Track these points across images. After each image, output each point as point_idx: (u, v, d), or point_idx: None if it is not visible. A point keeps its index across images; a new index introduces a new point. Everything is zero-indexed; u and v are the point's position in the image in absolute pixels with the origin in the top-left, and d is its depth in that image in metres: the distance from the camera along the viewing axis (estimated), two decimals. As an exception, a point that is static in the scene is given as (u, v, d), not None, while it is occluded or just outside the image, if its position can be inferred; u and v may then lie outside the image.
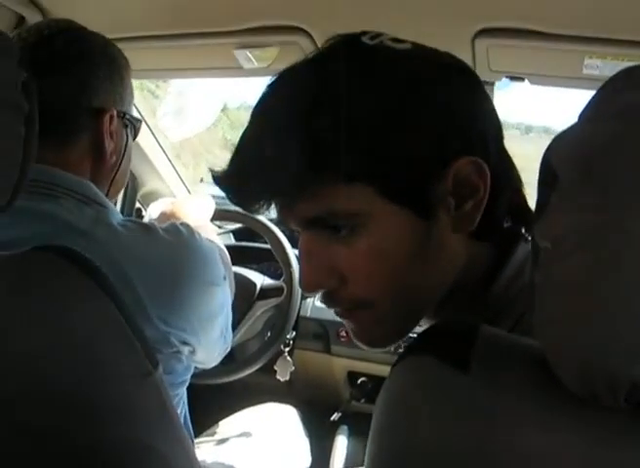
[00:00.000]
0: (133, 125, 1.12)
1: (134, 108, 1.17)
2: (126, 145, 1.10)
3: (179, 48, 1.36)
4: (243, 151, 0.67)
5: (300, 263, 0.69)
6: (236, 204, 0.69)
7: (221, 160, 0.70)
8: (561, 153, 0.46)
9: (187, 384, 1.15)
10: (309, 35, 1.25)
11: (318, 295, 0.71)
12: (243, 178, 0.67)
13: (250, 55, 1.32)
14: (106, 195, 1.06)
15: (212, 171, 0.70)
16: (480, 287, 0.68)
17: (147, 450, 0.70)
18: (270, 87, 0.68)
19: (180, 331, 0.97)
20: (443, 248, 0.66)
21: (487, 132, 0.68)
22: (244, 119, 0.69)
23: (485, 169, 0.64)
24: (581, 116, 0.47)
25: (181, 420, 1.14)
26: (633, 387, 0.40)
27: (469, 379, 0.47)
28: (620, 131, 0.42)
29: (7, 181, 0.67)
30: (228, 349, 1.23)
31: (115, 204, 2.15)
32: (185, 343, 1.00)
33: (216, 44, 1.31)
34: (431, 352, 0.50)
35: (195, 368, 1.50)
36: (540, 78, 1.28)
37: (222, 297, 1.10)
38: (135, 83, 1.17)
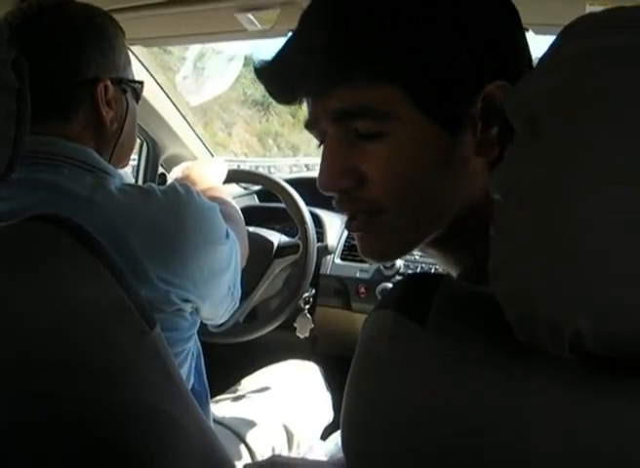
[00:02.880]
0: (133, 89, 1.14)
1: (135, 71, 1.18)
2: (126, 110, 1.13)
3: (182, 14, 1.36)
4: (289, 43, 0.70)
5: (321, 161, 0.70)
6: (276, 93, 0.71)
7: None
8: (514, 104, 0.46)
9: (197, 338, 1.17)
10: (309, -6, 1.25)
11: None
12: (287, 64, 0.69)
13: (252, 17, 1.33)
14: (109, 161, 1.09)
15: (254, 63, 0.71)
16: None
17: (149, 408, 0.73)
18: None
19: (182, 290, 0.99)
20: (464, 167, 0.67)
21: (522, 65, 0.69)
22: None
23: None
24: (538, 64, 0.47)
25: (191, 375, 1.17)
26: (577, 335, 0.41)
27: (425, 331, 0.48)
28: (564, 81, 0.42)
29: (0, 158, 0.69)
30: (236, 306, 1.25)
31: (138, 169, 2.19)
32: (187, 301, 1.02)
33: (217, 8, 1.32)
34: (391, 306, 0.52)
35: (219, 326, 1.54)
36: (544, 28, 1.26)
37: (228, 255, 1.12)
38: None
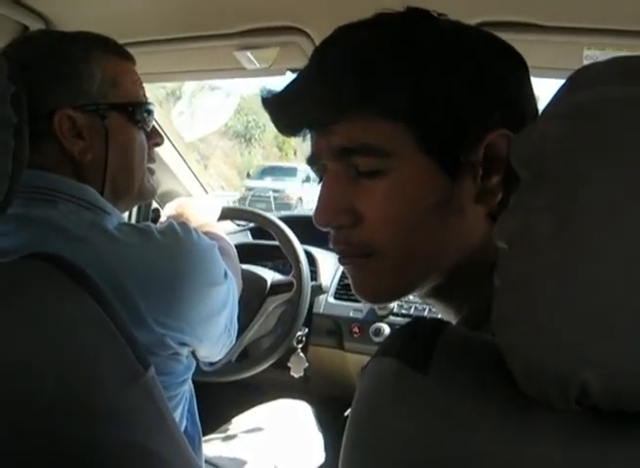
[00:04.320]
0: (123, 112, 1.08)
1: (131, 92, 1.10)
2: (106, 138, 1.05)
3: (181, 51, 1.37)
4: (299, 77, 0.70)
5: (319, 196, 0.70)
6: (281, 124, 0.71)
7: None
8: (519, 153, 0.46)
9: (190, 381, 1.16)
10: (307, 35, 1.26)
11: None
12: (294, 97, 0.69)
13: (251, 56, 1.33)
14: (102, 194, 1.04)
15: (262, 92, 0.71)
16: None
17: (141, 451, 0.71)
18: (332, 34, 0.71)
19: (178, 333, 0.98)
20: (462, 214, 0.67)
21: (526, 114, 0.69)
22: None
23: None
24: (542, 114, 0.47)
25: (184, 418, 1.15)
26: (583, 389, 0.40)
27: (428, 380, 0.47)
28: (570, 131, 0.42)
29: None
30: (233, 342, 1.24)
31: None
32: (184, 344, 1.01)
33: (217, 46, 1.33)
34: (393, 354, 0.51)
35: (210, 365, 1.52)
36: (542, 71, 1.27)
37: (225, 295, 1.10)
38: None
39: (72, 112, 1.01)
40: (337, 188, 0.68)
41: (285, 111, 0.70)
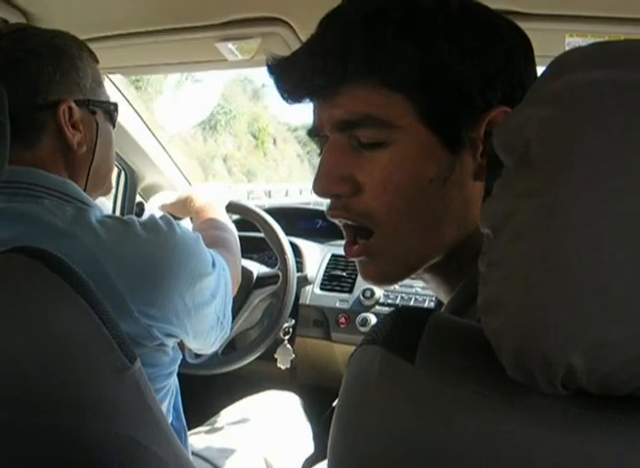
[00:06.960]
0: (105, 110, 1.13)
1: (107, 94, 1.16)
2: (97, 132, 1.10)
3: (162, 43, 1.36)
4: (305, 44, 0.70)
5: (319, 165, 0.70)
6: (284, 90, 0.70)
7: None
8: (502, 139, 0.46)
9: (176, 375, 1.15)
10: (289, 26, 1.25)
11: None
12: (298, 64, 0.69)
13: (232, 47, 1.33)
14: (85, 187, 1.07)
15: (267, 58, 0.71)
16: None
17: (129, 443, 0.71)
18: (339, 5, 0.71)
19: (165, 324, 0.98)
20: (462, 190, 0.67)
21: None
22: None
23: None
24: (525, 99, 0.47)
25: (170, 411, 1.15)
26: (568, 371, 0.40)
27: (414, 368, 0.48)
28: (553, 115, 0.42)
29: None
30: (227, 334, 1.23)
31: (115, 198, 2.17)
32: (170, 335, 1.01)
33: (198, 38, 1.32)
34: (380, 342, 0.51)
35: (196, 357, 1.52)
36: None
37: (214, 285, 1.10)
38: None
39: (72, 105, 1.04)
40: (337, 157, 0.68)
41: (289, 77, 0.70)
